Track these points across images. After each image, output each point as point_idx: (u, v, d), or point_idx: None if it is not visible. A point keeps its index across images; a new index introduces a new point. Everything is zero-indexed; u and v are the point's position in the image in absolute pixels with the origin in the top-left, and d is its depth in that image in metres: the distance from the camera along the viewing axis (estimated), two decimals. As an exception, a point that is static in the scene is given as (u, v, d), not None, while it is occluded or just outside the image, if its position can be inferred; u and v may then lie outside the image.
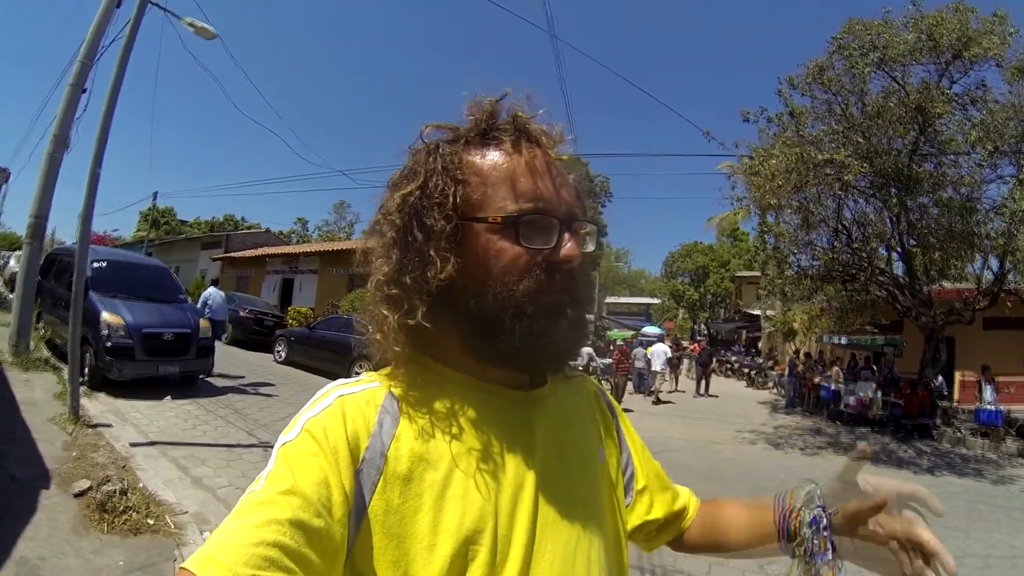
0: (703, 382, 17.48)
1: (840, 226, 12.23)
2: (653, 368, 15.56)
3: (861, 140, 10.08)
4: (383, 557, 0.60)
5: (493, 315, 0.67)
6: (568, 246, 0.68)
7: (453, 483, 0.64)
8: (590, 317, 0.75)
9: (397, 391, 0.69)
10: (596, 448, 0.82)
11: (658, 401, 15.14)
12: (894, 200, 10.50)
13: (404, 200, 0.70)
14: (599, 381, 8.85)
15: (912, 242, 11.71)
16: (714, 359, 18.43)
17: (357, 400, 0.67)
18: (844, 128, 10.45)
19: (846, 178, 9.79)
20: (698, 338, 28.31)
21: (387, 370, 0.73)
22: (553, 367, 0.75)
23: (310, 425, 0.63)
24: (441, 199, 0.68)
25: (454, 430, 0.67)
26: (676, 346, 20.68)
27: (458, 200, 0.68)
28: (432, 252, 0.67)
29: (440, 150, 0.71)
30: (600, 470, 0.80)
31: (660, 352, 15.78)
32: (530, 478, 0.68)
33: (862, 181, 10.86)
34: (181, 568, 0.51)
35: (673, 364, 17.03)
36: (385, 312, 0.70)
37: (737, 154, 11.85)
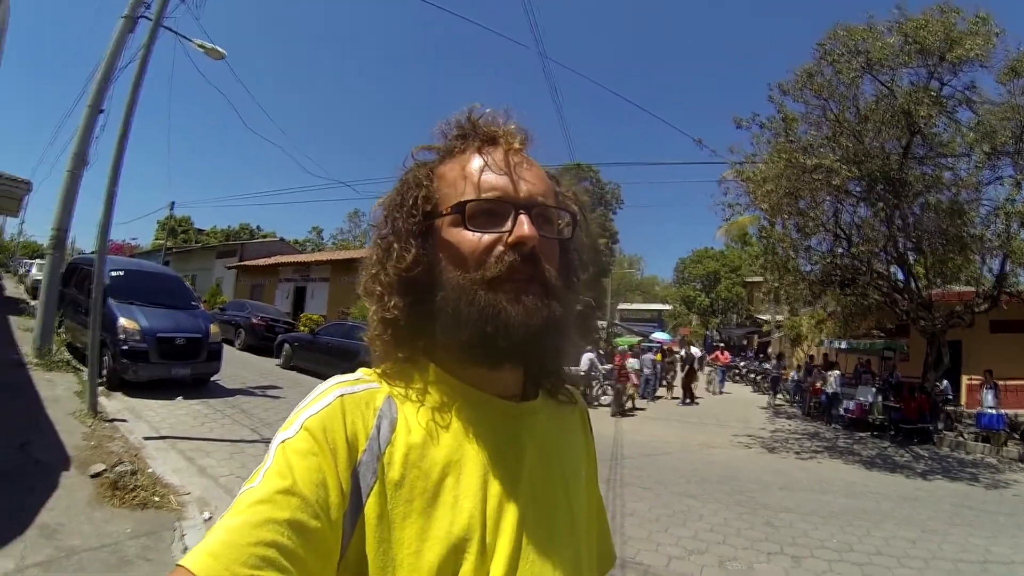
0: (685, 389, 17.13)
1: (839, 230, 12.27)
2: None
3: (850, 144, 10.18)
4: (373, 561, 0.61)
5: (453, 303, 0.69)
6: (524, 228, 0.69)
7: (444, 491, 0.65)
8: (572, 311, 0.80)
9: (395, 395, 0.71)
10: (580, 467, 0.84)
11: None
12: (880, 205, 10.58)
13: (383, 208, 0.79)
14: (603, 387, 8.88)
15: (909, 245, 11.79)
16: (695, 365, 17.99)
17: (357, 401, 0.67)
18: (834, 132, 10.55)
19: (835, 182, 9.90)
20: (719, 344, 27.76)
21: (385, 369, 0.74)
22: (515, 357, 0.71)
23: (310, 423, 0.63)
24: (408, 202, 0.75)
25: (447, 438, 0.68)
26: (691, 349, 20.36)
27: (420, 201, 0.74)
28: (396, 247, 0.73)
29: (416, 164, 0.79)
30: (581, 488, 0.82)
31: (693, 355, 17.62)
32: (516, 489, 0.69)
33: (856, 186, 10.96)
34: (178, 565, 0.52)
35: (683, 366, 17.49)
36: (368, 305, 0.77)
37: (730, 160, 12.00)
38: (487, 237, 0.70)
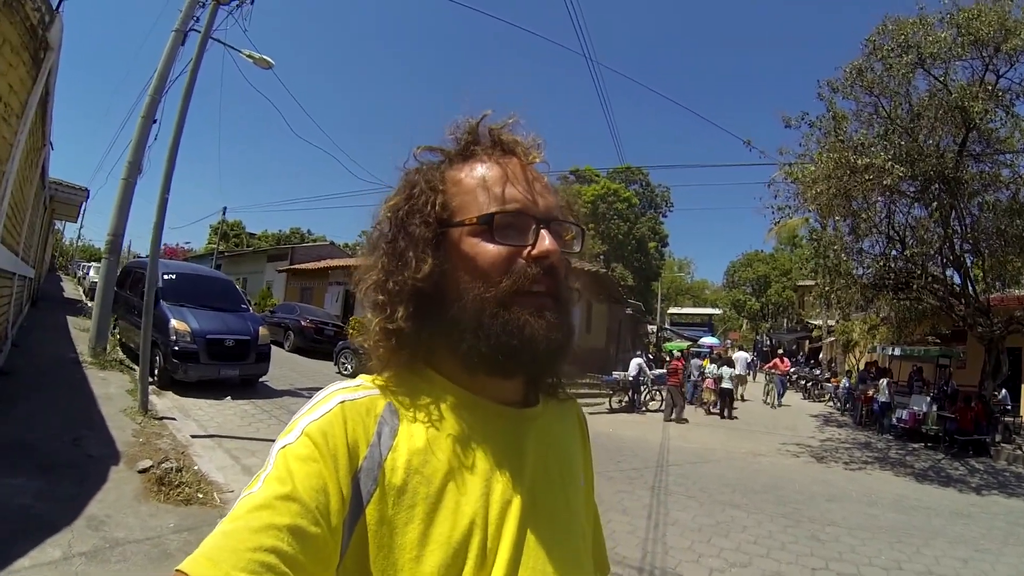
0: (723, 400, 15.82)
1: (893, 232, 11.83)
2: (736, 372, 16.32)
3: (902, 143, 9.80)
4: (374, 566, 0.61)
5: (473, 316, 0.69)
6: (545, 242, 0.70)
7: (446, 497, 0.65)
8: (575, 324, 0.78)
9: (396, 402, 0.70)
10: (579, 471, 0.84)
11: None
12: (935, 205, 10.16)
13: (390, 212, 0.76)
14: (650, 392, 8.72)
15: (966, 247, 11.30)
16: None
17: (358, 407, 0.67)
18: (886, 130, 10.18)
19: (886, 183, 9.54)
20: (779, 351, 26.91)
21: (386, 377, 0.74)
22: (534, 369, 0.73)
23: (310, 429, 0.63)
24: (423, 208, 0.73)
25: (449, 445, 0.68)
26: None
27: (437, 208, 0.72)
28: (411, 255, 0.71)
29: (424, 166, 0.78)
30: (580, 492, 0.82)
31: (741, 359, 18.09)
32: (518, 495, 0.69)
33: (909, 186, 10.55)
34: (177, 570, 0.51)
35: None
36: (370, 316, 0.75)
37: (779, 162, 11.69)
38: (508, 249, 0.70)
